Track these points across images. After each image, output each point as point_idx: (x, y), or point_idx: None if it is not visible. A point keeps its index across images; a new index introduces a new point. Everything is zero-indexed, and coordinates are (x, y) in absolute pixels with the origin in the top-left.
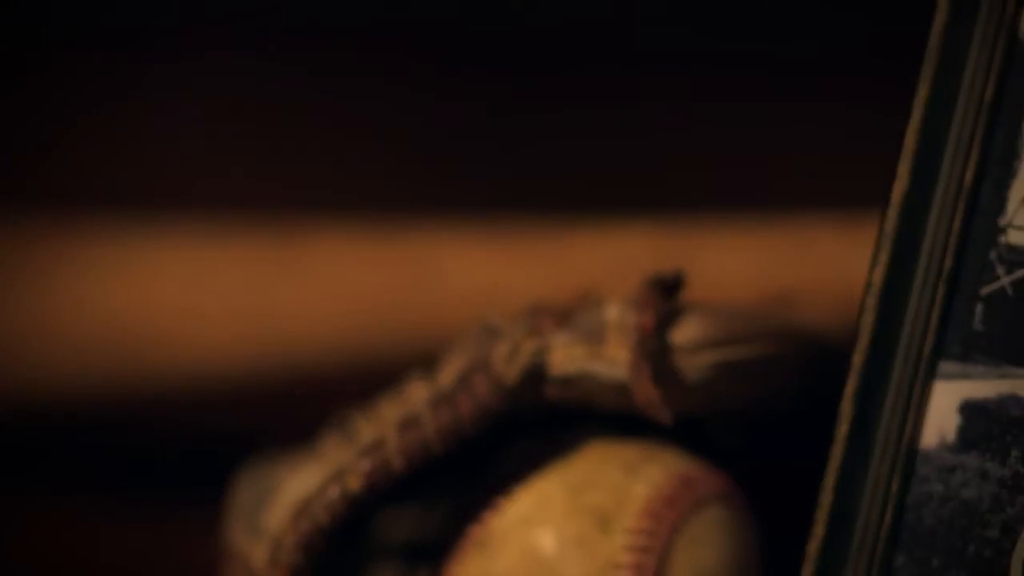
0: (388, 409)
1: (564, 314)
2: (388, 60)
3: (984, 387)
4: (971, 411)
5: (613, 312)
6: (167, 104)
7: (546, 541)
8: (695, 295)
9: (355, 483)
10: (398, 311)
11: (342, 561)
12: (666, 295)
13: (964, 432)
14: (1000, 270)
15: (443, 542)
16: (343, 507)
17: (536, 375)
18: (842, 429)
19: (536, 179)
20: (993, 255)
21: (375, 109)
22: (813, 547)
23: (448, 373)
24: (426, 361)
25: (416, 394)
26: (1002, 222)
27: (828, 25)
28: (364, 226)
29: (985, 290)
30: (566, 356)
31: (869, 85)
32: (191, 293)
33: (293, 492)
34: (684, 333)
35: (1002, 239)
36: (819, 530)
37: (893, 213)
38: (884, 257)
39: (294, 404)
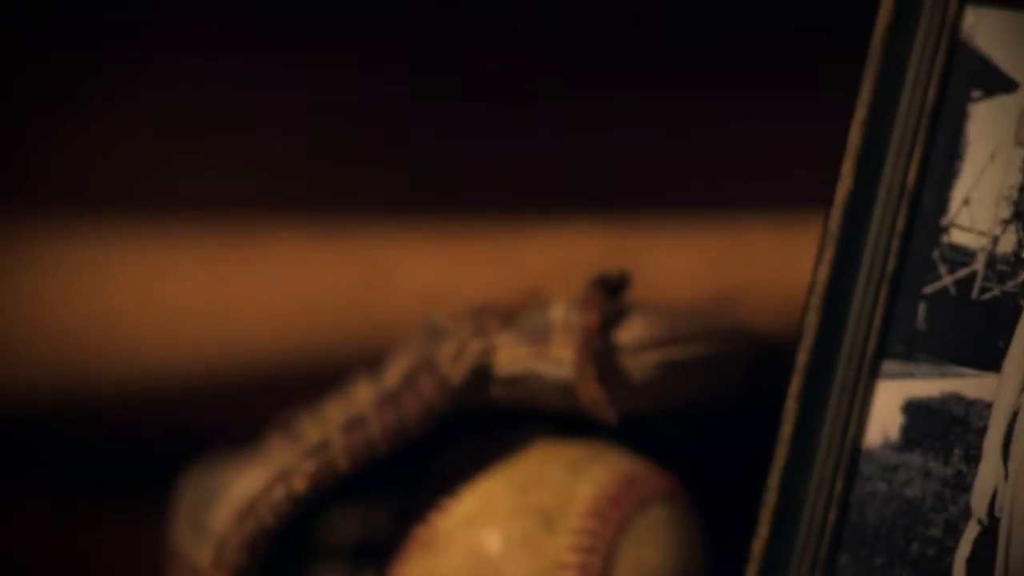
0: (333, 409)
1: (509, 314)
2: (342, 62)
3: (927, 386)
4: (914, 410)
5: (558, 312)
6: (120, 106)
7: (491, 541)
8: (640, 295)
9: (300, 484)
10: (348, 311)
11: (287, 561)
12: (611, 295)
13: (907, 431)
14: (943, 269)
15: (389, 542)
16: (288, 507)
17: (481, 375)
18: (786, 428)
19: (484, 180)
20: (936, 255)
21: (327, 111)
22: (757, 546)
23: (393, 373)
24: (375, 361)
25: (361, 394)
26: (944, 222)
27: (774, 26)
28: (315, 226)
29: (928, 289)
30: (511, 356)
31: (813, 86)
32: (145, 293)
33: (238, 492)
34: (629, 333)
35: (944, 239)
36: (763, 529)
37: (837, 213)
38: (828, 257)
39: (242, 404)
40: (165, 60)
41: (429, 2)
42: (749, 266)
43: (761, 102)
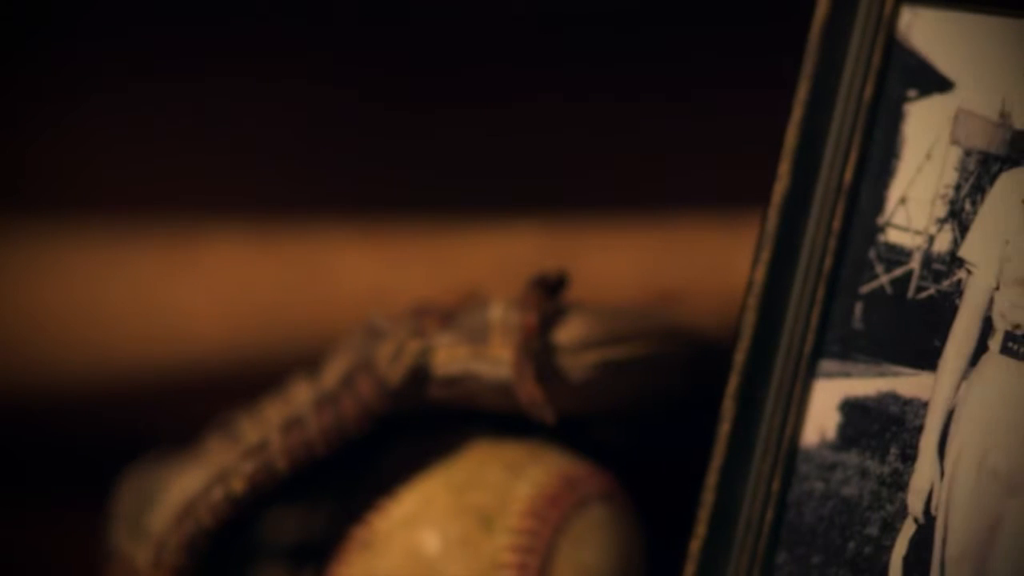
0: (272, 410)
1: (448, 314)
2: (277, 64)
3: (864, 385)
4: (851, 409)
5: (497, 312)
6: (59, 108)
7: (430, 541)
8: (579, 295)
9: (239, 485)
10: (287, 311)
11: (226, 562)
12: (550, 295)
13: (844, 430)
14: (879, 269)
15: (327, 543)
16: (227, 508)
17: (420, 375)
18: (724, 428)
19: (422, 180)
20: (872, 254)
21: (264, 111)
22: (695, 546)
23: (332, 374)
24: (313, 361)
25: (300, 395)
26: (881, 221)
27: (710, 25)
28: (253, 227)
29: (864, 289)
30: (450, 356)
31: (750, 84)
32: (84, 293)
33: (177, 493)
34: (567, 333)
35: (881, 238)
36: (701, 529)
37: (774, 212)
38: (765, 256)
39: (182, 404)
40: (112, 65)
41: (371, 7)
42: (687, 265)
43: (699, 101)
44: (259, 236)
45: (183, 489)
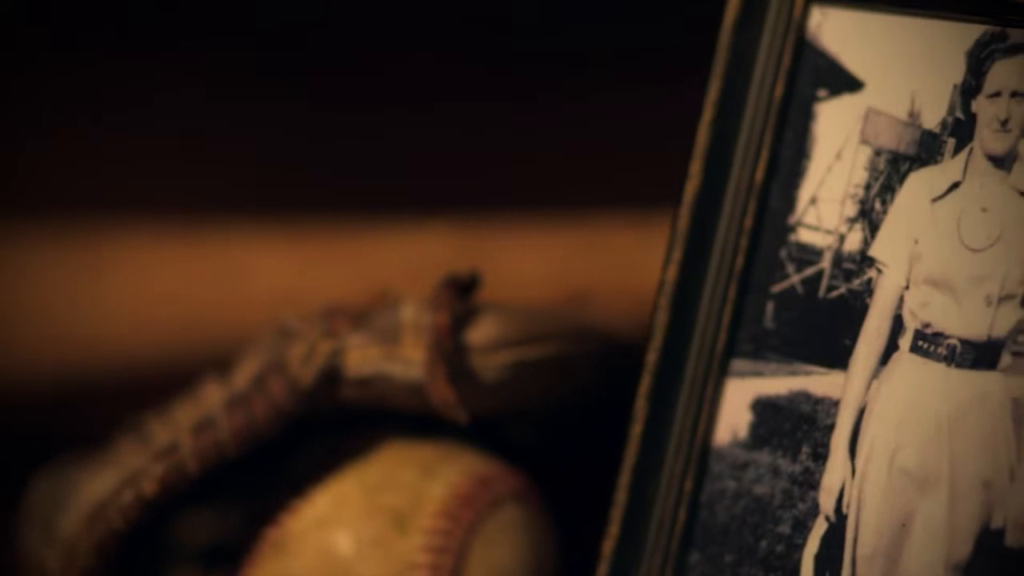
0: (182, 411)
1: (360, 315)
2: (189, 65)
3: (775, 384)
4: (763, 408)
5: (409, 313)
6: None
7: (342, 542)
8: (491, 295)
9: (149, 487)
10: (198, 312)
11: (138, 565)
12: (461, 295)
13: (756, 429)
14: (790, 268)
15: (240, 544)
16: (138, 510)
17: (332, 376)
18: (636, 428)
19: (334, 180)
20: (783, 254)
21: (178, 112)
22: (608, 545)
23: (243, 374)
24: (224, 362)
25: (211, 396)
26: (792, 221)
27: (622, 25)
28: (166, 227)
29: (776, 288)
30: (362, 357)
31: (662, 84)
32: None
33: (87, 496)
34: (480, 333)
35: (792, 238)
36: (613, 528)
37: (685, 212)
38: (677, 255)
39: (93, 406)
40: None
41: (288, 7)
42: (600, 265)
43: (611, 102)
44: (172, 237)
45: (93, 492)
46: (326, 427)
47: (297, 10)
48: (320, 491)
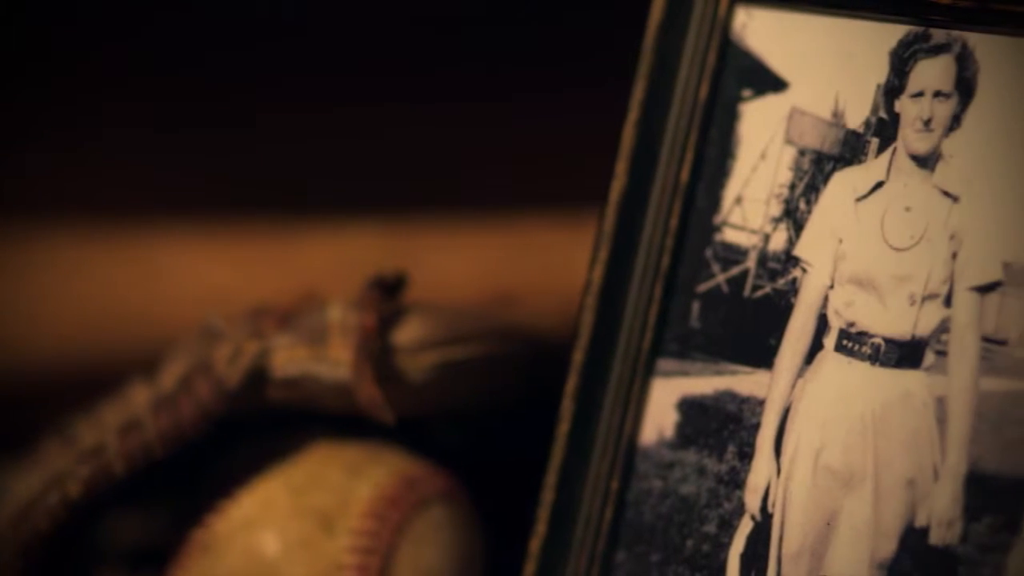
0: (109, 413)
1: (287, 315)
2: (113, 63)
3: (701, 383)
4: (689, 407)
5: (335, 313)
6: None
7: (269, 543)
8: (418, 295)
9: (75, 488)
10: (124, 312)
11: (65, 567)
12: (388, 295)
13: (682, 428)
14: (716, 268)
15: (167, 546)
16: (63, 513)
17: (258, 377)
18: (562, 427)
19: (261, 181)
20: (709, 253)
21: (100, 111)
22: (535, 544)
23: (169, 376)
24: (151, 363)
25: (137, 397)
26: (717, 220)
27: (549, 26)
28: (92, 228)
29: (701, 288)
30: (288, 358)
31: (587, 84)
32: None
33: (12, 499)
34: (406, 333)
35: (717, 237)
36: (540, 527)
37: (611, 212)
38: (603, 255)
39: (17, 408)
40: None
41: (213, 8)
42: (526, 266)
43: (537, 102)
44: (98, 237)
45: (18, 494)
46: (253, 428)
47: (236, 10)
48: (247, 492)
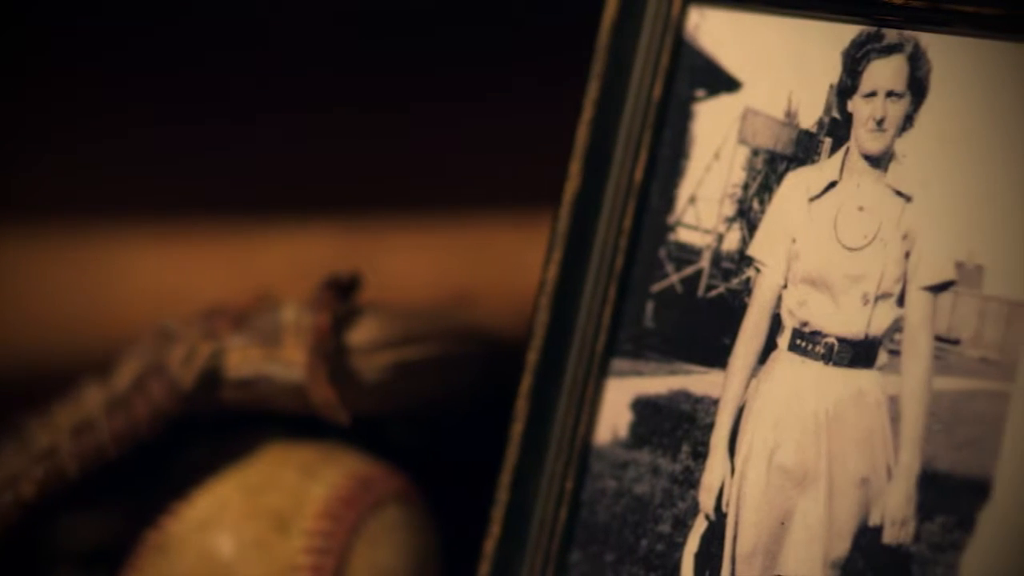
0: (62, 414)
1: (241, 316)
2: (64, 62)
3: (655, 383)
4: (643, 407)
5: (290, 314)
6: None
7: (224, 545)
8: (373, 296)
9: (28, 489)
10: (78, 313)
11: (18, 568)
12: (342, 296)
13: (636, 428)
14: (670, 268)
15: (121, 547)
16: (16, 514)
17: (212, 378)
18: (517, 427)
19: (216, 181)
20: (663, 253)
21: (54, 110)
22: (489, 545)
23: (123, 377)
24: (104, 364)
25: (91, 398)
26: (671, 220)
27: (501, 26)
28: (46, 228)
29: (655, 288)
30: (242, 358)
31: (541, 84)
32: None
33: None
34: (361, 334)
35: (671, 237)
36: (495, 528)
37: (565, 212)
38: (557, 255)
39: None
40: None
41: (160, 9)
42: (481, 266)
43: (491, 102)
44: (51, 237)
45: None
46: (207, 429)
47: (181, 8)
48: (201, 493)
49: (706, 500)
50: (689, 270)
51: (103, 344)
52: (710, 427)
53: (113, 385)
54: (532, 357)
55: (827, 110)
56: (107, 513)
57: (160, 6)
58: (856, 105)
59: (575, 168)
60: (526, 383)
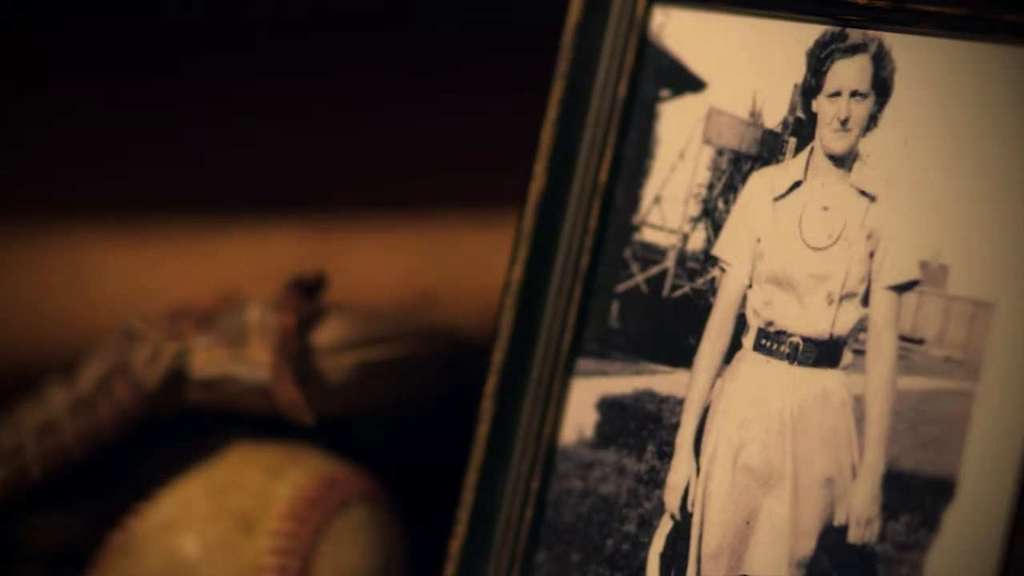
0: (27, 414)
1: (206, 316)
2: (24, 62)
3: (621, 383)
4: (609, 407)
5: (255, 314)
6: None
7: (189, 545)
8: (338, 296)
9: None
10: (42, 313)
11: None
12: (307, 296)
13: (602, 428)
14: (635, 268)
15: (86, 548)
16: None
17: (177, 378)
18: (482, 427)
19: (180, 181)
20: (628, 253)
21: (21, 110)
22: (455, 545)
23: (88, 377)
24: (69, 365)
25: (55, 399)
26: (636, 220)
27: (467, 26)
28: (10, 228)
29: (621, 287)
30: (207, 359)
31: (506, 84)
32: None
33: None
34: (326, 334)
35: (636, 237)
36: (461, 528)
37: (530, 211)
38: (522, 255)
39: None
40: None
41: (129, 8)
42: (446, 266)
43: (456, 102)
44: (15, 238)
45: None
46: (172, 430)
47: (147, 14)
48: (166, 494)
49: (671, 500)
50: (654, 270)
51: (68, 344)
52: (675, 427)
53: (78, 386)
54: (497, 357)
55: (791, 110)
56: (72, 514)
57: (120, 7)
58: (820, 105)
59: (540, 168)
60: (491, 383)
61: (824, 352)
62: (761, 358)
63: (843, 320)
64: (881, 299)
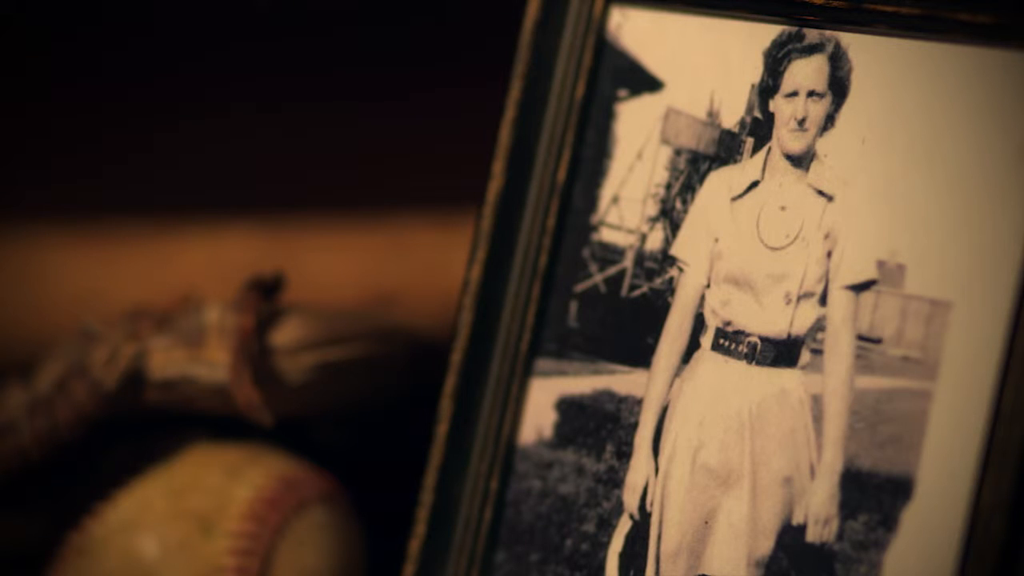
0: None
1: (164, 317)
2: None
3: (579, 383)
4: (567, 407)
5: (213, 315)
6: None
7: (147, 546)
8: (297, 296)
9: None
10: None
11: None
12: (266, 296)
13: (561, 428)
14: (593, 267)
15: (43, 549)
16: None
17: (135, 379)
18: (441, 427)
19: (137, 182)
20: (586, 253)
21: None
22: (414, 545)
23: (45, 379)
24: (26, 366)
25: (12, 401)
26: (594, 220)
27: (422, 26)
28: None
29: (579, 287)
30: (166, 360)
31: (464, 83)
32: None
33: None
34: (285, 334)
35: (594, 237)
36: (420, 528)
37: (488, 211)
38: (480, 255)
39: None
40: None
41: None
42: (405, 266)
43: (413, 102)
44: None
45: None
46: (131, 431)
47: (120, 12)
48: (124, 495)
49: (630, 500)
50: (612, 270)
51: (23, 346)
52: (634, 427)
53: (35, 387)
54: (456, 357)
55: (749, 110)
56: (30, 515)
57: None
58: (778, 105)
59: (498, 168)
60: (450, 383)
61: (782, 352)
62: (719, 358)
63: (801, 320)
64: (839, 298)
